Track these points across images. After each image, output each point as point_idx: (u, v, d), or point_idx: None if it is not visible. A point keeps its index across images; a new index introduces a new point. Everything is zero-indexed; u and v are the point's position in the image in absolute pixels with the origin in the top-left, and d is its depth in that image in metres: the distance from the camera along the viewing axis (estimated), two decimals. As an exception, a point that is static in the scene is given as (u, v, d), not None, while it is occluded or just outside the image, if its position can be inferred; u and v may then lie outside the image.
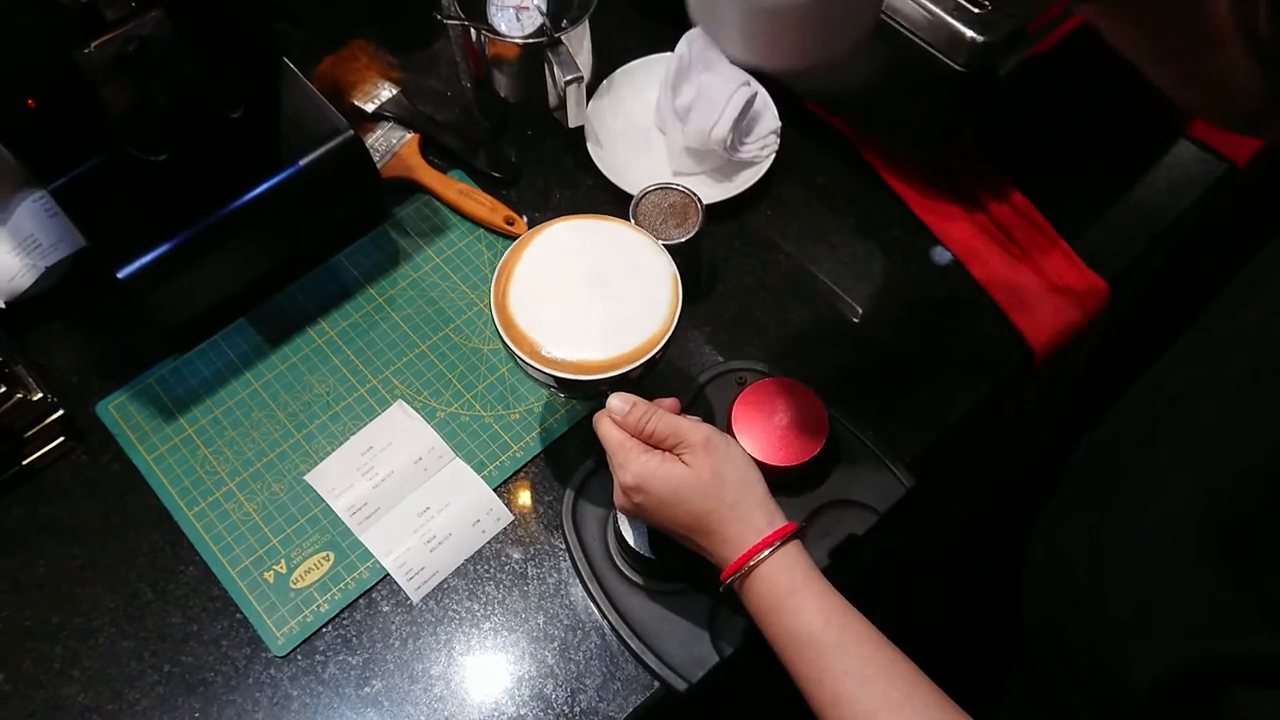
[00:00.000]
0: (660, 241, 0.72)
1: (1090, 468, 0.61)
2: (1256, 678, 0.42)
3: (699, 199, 0.80)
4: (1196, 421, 0.50)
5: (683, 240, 0.78)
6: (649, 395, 0.65)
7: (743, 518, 0.60)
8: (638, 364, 0.65)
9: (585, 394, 0.70)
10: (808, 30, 0.54)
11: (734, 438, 0.72)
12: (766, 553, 0.59)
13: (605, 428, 0.64)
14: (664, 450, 0.63)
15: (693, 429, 0.62)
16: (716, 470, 0.61)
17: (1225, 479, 0.46)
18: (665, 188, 0.80)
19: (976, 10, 0.74)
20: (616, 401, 0.63)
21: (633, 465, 0.62)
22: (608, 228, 0.70)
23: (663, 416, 0.63)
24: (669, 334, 0.66)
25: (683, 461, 0.62)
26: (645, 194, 0.80)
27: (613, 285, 0.67)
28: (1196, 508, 0.47)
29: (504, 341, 0.66)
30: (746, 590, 0.60)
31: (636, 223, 0.79)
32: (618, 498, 0.65)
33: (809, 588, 0.59)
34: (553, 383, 0.66)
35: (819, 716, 0.58)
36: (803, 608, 0.58)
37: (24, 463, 0.77)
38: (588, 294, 0.67)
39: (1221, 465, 0.47)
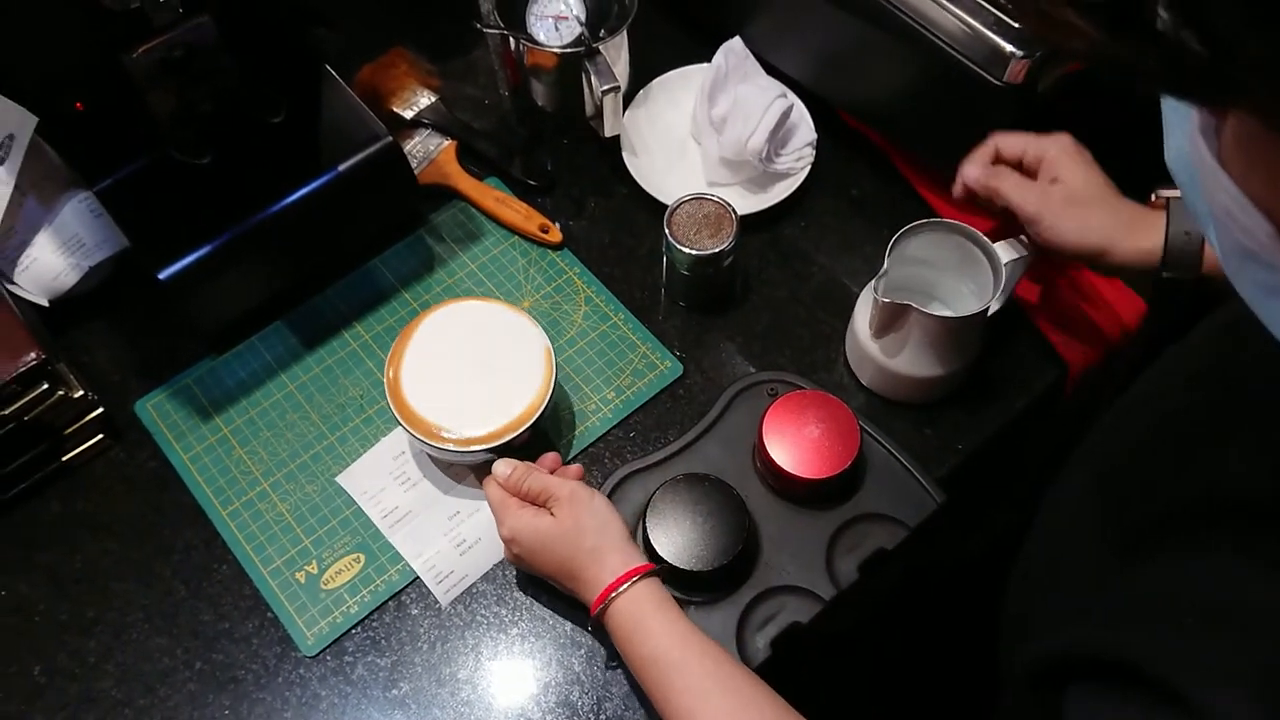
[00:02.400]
0: (694, 250, 0.76)
1: (1076, 471, 0.62)
2: (1096, 673, 0.43)
3: (733, 210, 0.80)
4: (1168, 431, 0.52)
5: (716, 251, 0.78)
6: (533, 454, 0.75)
7: (600, 561, 0.66)
8: (519, 432, 0.72)
9: (473, 461, 0.75)
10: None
11: (764, 449, 0.72)
12: (622, 589, 0.65)
13: (489, 488, 0.72)
14: (538, 505, 0.70)
15: (559, 485, 0.69)
16: (578, 520, 0.67)
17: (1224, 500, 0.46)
18: (700, 198, 0.81)
19: (1017, 25, 0.74)
20: (500, 466, 0.71)
21: (508, 520, 0.69)
22: (485, 308, 0.77)
23: (536, 476, 0.70)
24: (544, 403, 0.73)
25: (550, 514, 0.68)
26: (680, 204, 0.80)
27: (493, 363, 0.75)
28: (1184, 531, 0.47)
29: (400, 424, 0.73)
30: (608, 623, 0.66)
31: (671, 233, 0.79)
32: (504, 550, 0.72)
33: (656, 616, 0.64)
34: (448, 456, 0.74)
35: None
36: (650, 634, 0.64)
37: (63, 459, 0.78)
38: (470, 373, 0.75)
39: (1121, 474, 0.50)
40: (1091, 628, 0.45)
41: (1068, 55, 0.32)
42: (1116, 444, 0.55)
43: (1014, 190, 0.73)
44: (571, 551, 0.67)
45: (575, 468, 0.74)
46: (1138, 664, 0.41)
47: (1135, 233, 0.70)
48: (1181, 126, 0.42)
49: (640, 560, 0.67)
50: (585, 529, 0.67)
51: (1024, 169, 0.75)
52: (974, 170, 0.75)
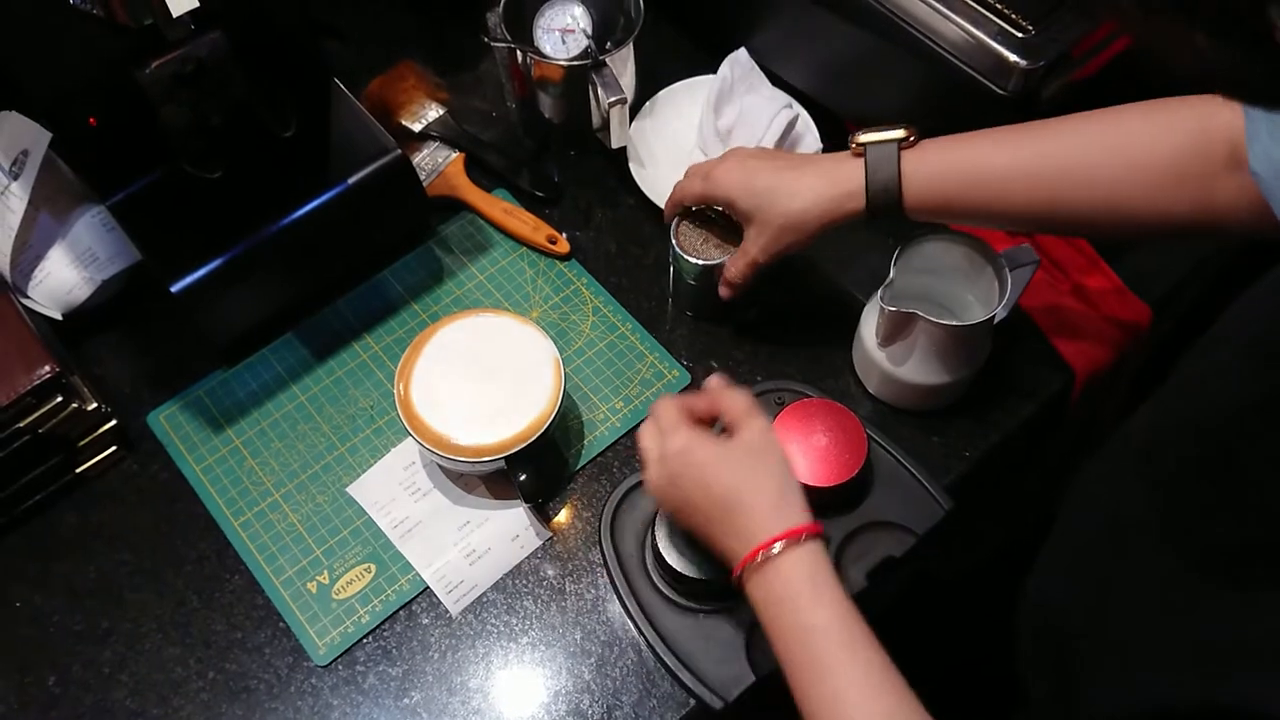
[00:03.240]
0: (700, 261, 0.77)
1: (1074, 512, 0.61)
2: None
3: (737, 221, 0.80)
4: (1187, 468, 0.50)
5: (722, 261, 0.79)
6: (541, 462, 0.75)
7: (773, 506, 0.60)
8: (529, 442, 0.72)
9: (483, 471, 0.76)
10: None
11: None
12: (790, 542, 0.59)
13: (663, 401, 0.66)
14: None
15: (758, 415, 0.63)
16: (761, 457, 0.61)
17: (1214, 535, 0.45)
18: (705, 208, 0.81)
19: (1020, 35, 0.75)
20: (714, 379, 0.66)
21: (680, 436, 0.63)
22: (494, 319, 0.78)
23: (739, 396, 0.64)
24: (554, 413, 0.73)
25: (731, 439, 0.63)
26: (685, 214, 0.81)
27: (502, 373, 0.75)
28: (1166, 557, 0.46)
29: (410, 434, 0.73)
30: (760, 578, 0.59)
31: (677, 243, 0.80)
32: (653, 470, 0.65)
33: (827, 585, 0.58)
34: (458, 466, 0.74)
35: (806, 712, 0.57)
36: (818, 603, 0.57)
37: (77, 471, 0.79)
38: (480, 383, 0.75)
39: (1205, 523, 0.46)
40: (1187, 673, 0.43)
41: (1169, 64, 0.31)
42: (1172, 462, 0.51)
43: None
44: (747, 486, 0.61)
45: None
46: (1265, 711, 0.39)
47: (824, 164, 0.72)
48: (1273, 134, 0.41)
49: (808, 517, 0.61)
50: (770, 469, 0.61)
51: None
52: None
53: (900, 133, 0.70)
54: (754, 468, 0.61)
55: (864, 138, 0.70)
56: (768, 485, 0.61)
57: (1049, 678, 0.59)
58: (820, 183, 0.71)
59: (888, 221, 0.70)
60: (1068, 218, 0.68)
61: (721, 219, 0.81)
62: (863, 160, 0.70)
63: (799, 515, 0.60)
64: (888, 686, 0.55)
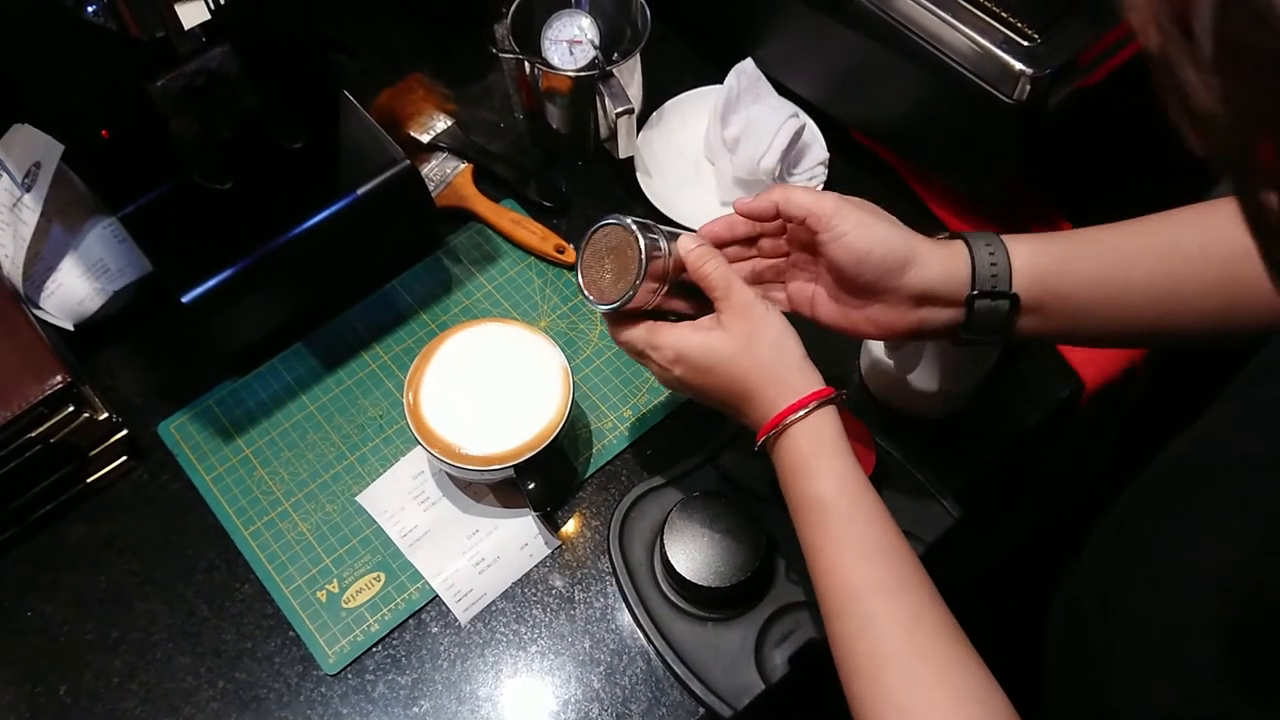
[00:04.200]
0: (599, 304, 0.65)
1: (1111, 535, 0.60)
2: None
3: (643, 239, 0.63)
4: (1218, 507, 0.49)
5: (620, 301, 0.63)
6: (549, 469, 0.75)
7: (778, 380, 0.60)
8: (538, 450, 0.72)
9: (492, 479, 0.76)
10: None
11: None
12: (798, 414, 0.59)
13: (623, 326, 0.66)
14: (697, 309, 0.65)
15: (739, 289, 0.62)
16: (753, 333, 0.61)
17: (1241, 582, 0.44)
18: (606, 226, 0.66)
19: (1026, 43, 0.75)
20: (687, 238, 0.65)
21: (664, 338, 0.63)
22: (503, 329, 0.78)
23: (717, 266, 0.63)
24: (563, 422, 0.73)
25: (719, 325, 0.62)
26: (594, 234, 0.66)
27: (511, 382, 0.75)
28: (1210, 604, 0.45)
29: (420, 443, 0.73)
30: (776, 451, 0.61)
31: (580, 276, 0.67)
32: (659, 376, 0.66)
33: (833, 455, 0.59)
34: (468, 475, 0.75)
35: (814, 583, 0.58)
36: (822, 473, 0.58)
37: (88, 481, 0.79)
38: (489, 393, 0.75)
39: (1238, 565, 0.45)
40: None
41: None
42: (1234, 499, 0.48)
43: (805, 194, 0.63)
44: (745, 369, 0.61)
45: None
46: None
47: (938, 250, 0.62)
48: None
49: (818, 383, 0.60)
50: (761, 344, 0.61)
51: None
52: (747, 197, 0.67)
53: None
54: (746, 351, 0.61)
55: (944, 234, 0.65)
56: (763, 365, 0.61)
57: (1064, 693, 0.59)
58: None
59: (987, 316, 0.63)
60: (1193, 299, 0.61)
61: (623, 238, 0.65)
62: (958, 240, 0.63)
63: (797, 387, 0.60)
64: (881, 561, 0.56)
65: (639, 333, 0.65)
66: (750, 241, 0.69)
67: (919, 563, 0.58)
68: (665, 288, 0.65)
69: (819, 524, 0.58)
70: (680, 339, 0.63)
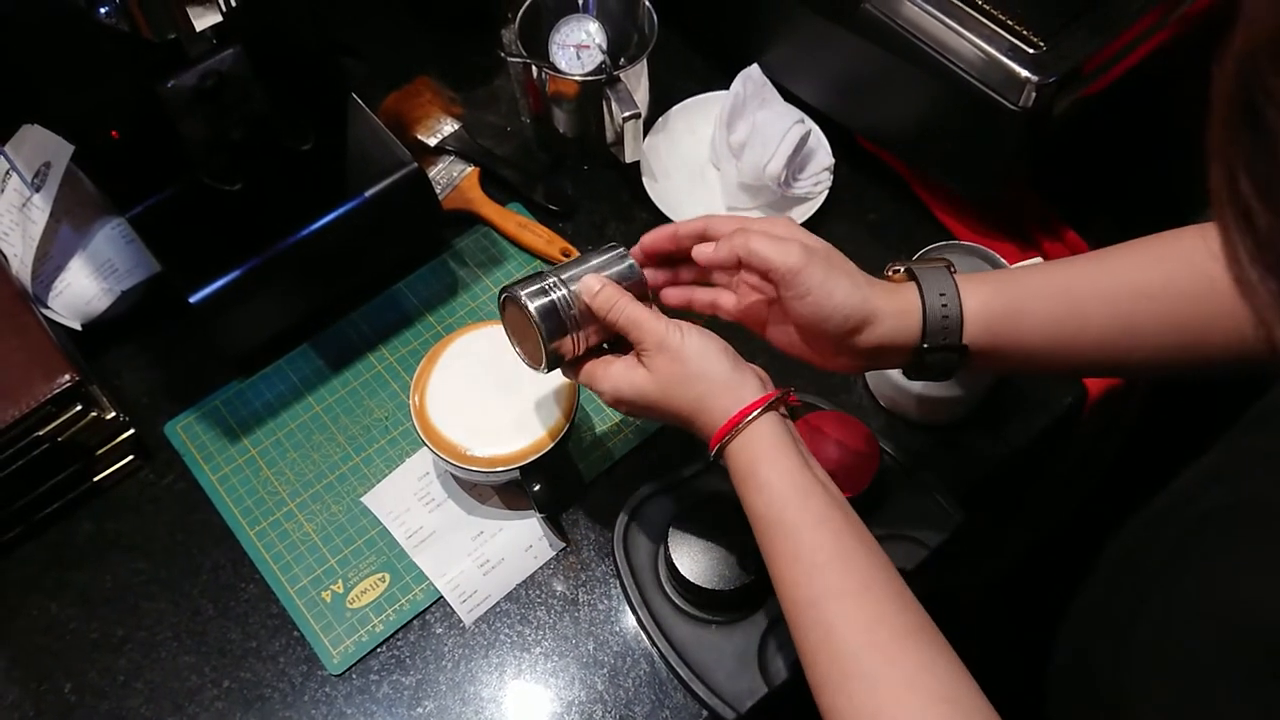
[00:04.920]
0: (536, 370, 0.67)
1: (1118, 575, 0.60)
2: None
3: (531, 315, 0.63)
4: (1229, 552, 0.48)
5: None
6: (556, 473, 0.73)
7: (707, 408, 0.60)
8: (543, 453, 0.72)
9: (497, 481, 0.76)
10: None
11: None
12: (728, 436, 0.59)
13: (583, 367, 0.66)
14: (625, 349, 0.64)
15: (649, 330, 0.61)
16: (673, 370, 0.61)
17: (1260, 629, 0.44)
18: (512, 297, 0.64)
19: (1032, 51, 0.75)
20: (590, 281, 0.64)
21: (602, 384, 0.64)
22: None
23: (624, 310, 0.62)
24: (569, 424, 0.73)
25: (643, 364, 0.62)
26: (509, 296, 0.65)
27: (517, 385, 0.75)
28: (1224, 655, 0.45)
29: (426, 445, 0.73)
30: (727, 467, 0.61)
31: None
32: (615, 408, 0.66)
33: (767, 467, 0.58)
34: (473, 477, 0.74)
35: (779, 597, 0.58)
36: (760, 487, 0.58)
37: (94, 479, 0.79)
38: (494, 395, 0.75)
39: (1253, 615, 0.45)
40: None
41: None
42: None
43: (769, 245, 0.61)
44: (676, 405, 0.61)
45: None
46: None
47: (893, 298, 0.61)
48: None
49: (750, 396, 0.60)
50: (682, 377, 0.60)
51: (741, 260, 0.63)
52: (708, 248, 0.64)
53: (940, 262, 0.64)
54: (673, 384, 0.61)
55: (900, 265, 0.64)
56: (691, 397, 0.60)
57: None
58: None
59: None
60: (1152, 335, 0.61)
61: (518, 317, 0.66)
62: (913, 284, 0.62)
63: (726, 407, 0.60)
64: (835, 567, 0.55)
65: (583, 377, 0.66)
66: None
67: (880, 562, 0.56)
68: (588, 333, 0.65)
69: (769, 539, 0.58)
70: (615, 383, 0.63)
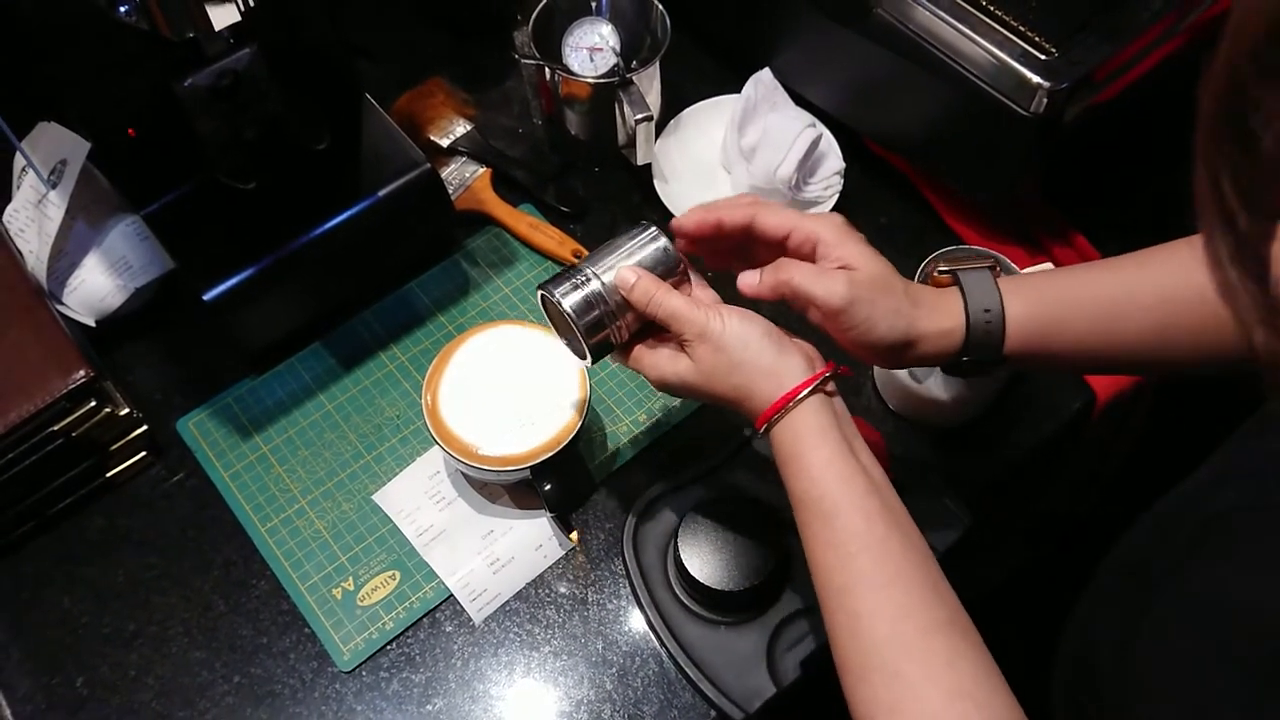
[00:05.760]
0: (582, 363, 0.68)
1: (1121, 580, 0.60)
2: None
3: (566, 312, 0.63)
4: (1233, 557, 0.49)
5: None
6: (564, 474, 0.74)
7: (750, 394, 0.60)
8: (555, 452, 0.73)
9: (508, 480, 0.76)
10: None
11: None
12: (774, 418, 0.59)
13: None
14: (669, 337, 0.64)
15: (688, 321, 0.61)
16: (716, 359, 0.61)
17: (1264, 633, 0.44)
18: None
19: (1043, 57, 0.76)
20: (626, 274, 0.63)
21: (645, 370, 0.64)
22: (520, 331, 0.78)
23: (661, 303, 0.62)
24: (580, 424, 0.74)
25: (686, 353, 0.62)
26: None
27: (528, 385, 0.76)
28: (1227, 661, 0.45)
29: (438, 443, 0.74)
30: (772, 448, 0.61)
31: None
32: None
33: (813, 449, 0.58)
34: (484, 476, 0.75)
35: (813, 580, 0.58)
36: (801, 472, 0.58)
37: (107, 475, 0.80)
38: (506, 395, 0.75)
39: (1257, 621, 0.45)
40: None
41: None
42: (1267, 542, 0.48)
43: (812, 280, 0.60)
44: (721, 392, 0.61)
45: (704, 292, 0.66)
46: None
47: (936, 316, 0.62)
48: None
49: (792, 381, 0.59)
50: (725, 366, 0.60)
51: (788, 251, 0.64)
52: (753, 277, 0.63)
53: (986, 261, 0.64)
54: (718, 373, 0.61)
55: (947, 266, 0.64)
56: (737, 383, 0.60)
57: None
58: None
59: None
60: (1187, 342, 0.61)
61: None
62: (956, 289, 0.62)
63: (769, 392, 0.59)
64: (866, 556, 0.55)
65: (630, 363, 0.66)
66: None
67: (916, 551, 0.56)
68: (627, 321, 0.64)
69: (806, 523, 0.58)
70: (661, 371, 0.63)
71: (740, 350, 0.60)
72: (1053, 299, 0.62)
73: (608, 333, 0.64)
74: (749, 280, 0.63)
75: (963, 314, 0.61)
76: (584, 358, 0.66)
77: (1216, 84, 0.31)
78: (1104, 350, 0.62)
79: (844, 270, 0.61)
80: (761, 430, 0.60)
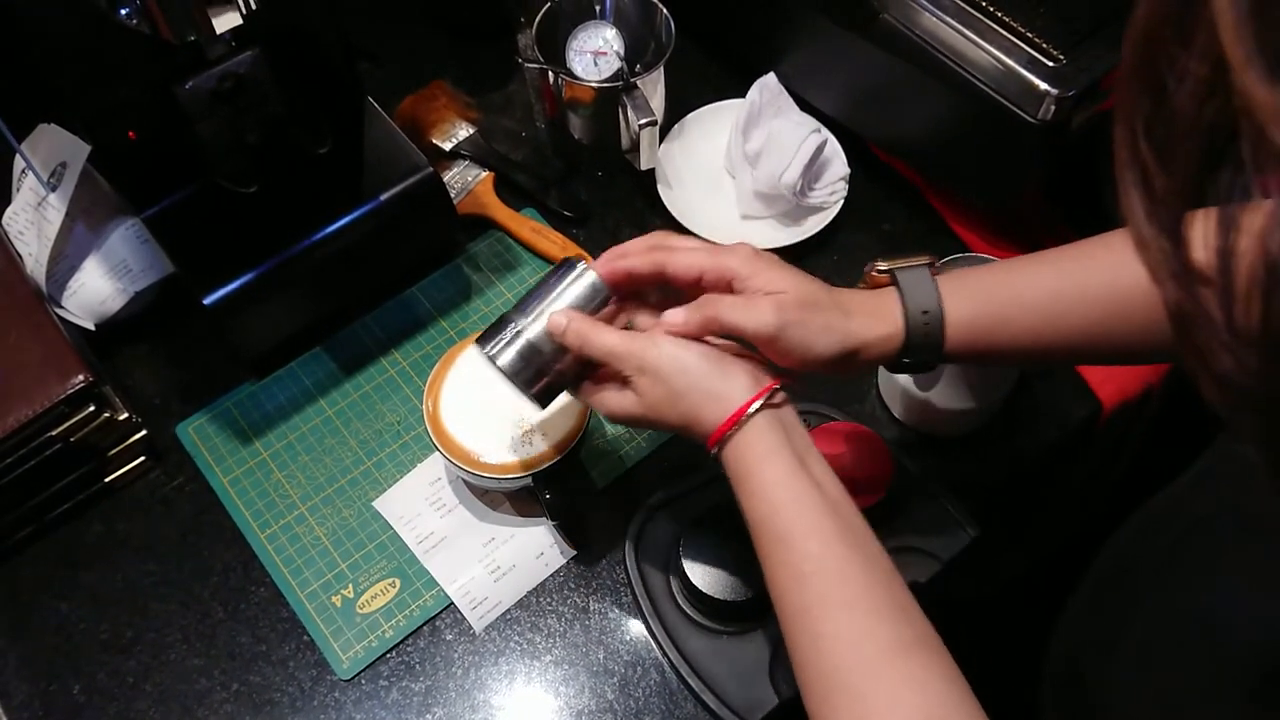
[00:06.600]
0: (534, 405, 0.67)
1: (1108, 583, 0.60)
2: None
3: (499, 368, 0.64)
4: (1214, 562, 0.48)
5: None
6: (567, 480, 0.73)
7: (696, 421, 0.59)
8: (556, 460, 0.72)
9: (510, 488, 0.76)
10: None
11: None
12: (716, 446, 0.58)
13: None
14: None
15: (625, 357, 0.60)
16: (657, 393, 0.60)
17: (1243, 642, 0.44)
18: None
19: (1051, 64, 0.75)
20: (557, 318, 0.62)
21: (598, 407, 0.63)
22: None
23: (594, 342, 0.61)
24: (582, 431, 0.73)
25: (629, 387, 0.61)
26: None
27: None
28: (1209, 665, 0.45)
29: (439, 450, 0.73)
30: (725, 470, 0.60)
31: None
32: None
33: (756, 475, 0.57)
34: (485, 483, 0.74)
35: (773, 602, 0.57)
36: (752, 493, 0.57)
37: (106, 480, 0.79)
38: (508, 401, 0.72)
39: (1238, 626, 0.45)
40: None
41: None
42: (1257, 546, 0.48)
43: (740, 312, 0.59)
44: (669, 420, 0.60)
45: (647, 318, 0.64)
46: None
47: (872, 323, 0.61)
48: None
49: (736, 401, 0.58)
50: (668, 396, 0.59)
51: (705, 291, 0.62)
52: (679, 316, 0.61)
53: (924, 259, 0.62)
54: (663, 404, 0.60)
55: (885, 265, 0.63)
56: (682, 411, 0.59)
57: None
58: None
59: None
60: (1128, 334, 0.61)
61: None
62: (893, 289, 0.61)
63: (714, 417, 0.58)
64: (821, 577, 0.54)
65: (581, 398, 0.66)
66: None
67: (878, 570, 0.55)
68: (567, 363, 0.63)
69: (760, 544, 0.57)
70: (608, 407, 0.63)
71: (680, 377, 0.59)
72: (993, 295, 0.62)
73: (549, 379, 0.63)
74: (675, 319, 0.61)
75: (901, 316, 0.60)
76: (535, 404, 0.65)
77: (1135, 44, 0.31)
78: (1046, 343, 0.62)
79: (770, 296, 0.59)
80: (713, 453, 0.59)
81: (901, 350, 0.61)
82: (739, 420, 0.58)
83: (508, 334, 0.63)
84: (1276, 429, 0.31)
